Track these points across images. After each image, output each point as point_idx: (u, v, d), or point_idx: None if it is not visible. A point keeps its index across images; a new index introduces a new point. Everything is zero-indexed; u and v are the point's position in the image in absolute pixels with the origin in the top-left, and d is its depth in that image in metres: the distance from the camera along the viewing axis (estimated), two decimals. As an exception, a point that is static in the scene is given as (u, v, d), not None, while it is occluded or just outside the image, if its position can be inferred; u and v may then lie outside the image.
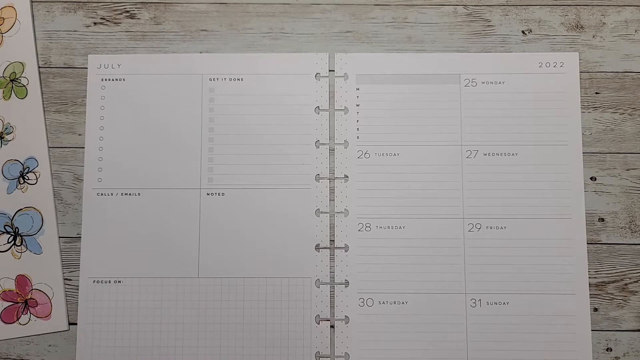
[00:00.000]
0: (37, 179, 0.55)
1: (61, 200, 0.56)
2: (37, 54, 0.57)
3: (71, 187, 0.56)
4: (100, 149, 0.56)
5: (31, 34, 0.57)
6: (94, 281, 0.54)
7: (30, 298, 0.54)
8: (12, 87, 0.57)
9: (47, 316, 0.54)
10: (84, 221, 0.55)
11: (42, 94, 0.57)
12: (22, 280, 0.54)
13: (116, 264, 0.54)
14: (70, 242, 0.55)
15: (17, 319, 0.54)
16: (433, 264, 0.54)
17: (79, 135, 0.56)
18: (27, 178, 0.56)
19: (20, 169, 0.56)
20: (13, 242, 0.55)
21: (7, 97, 0.56)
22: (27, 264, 0.55)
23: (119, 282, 0.54)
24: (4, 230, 0.55)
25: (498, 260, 0.54)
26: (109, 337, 0.54)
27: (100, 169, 0.56)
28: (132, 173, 0.56)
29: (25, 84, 0.57)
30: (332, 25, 0.58)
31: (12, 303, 0.54)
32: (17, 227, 0.55)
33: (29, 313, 0.54)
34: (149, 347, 0.53)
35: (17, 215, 0.55)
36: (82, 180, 0.56)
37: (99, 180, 0.55)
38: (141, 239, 0.55)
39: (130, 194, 0.55)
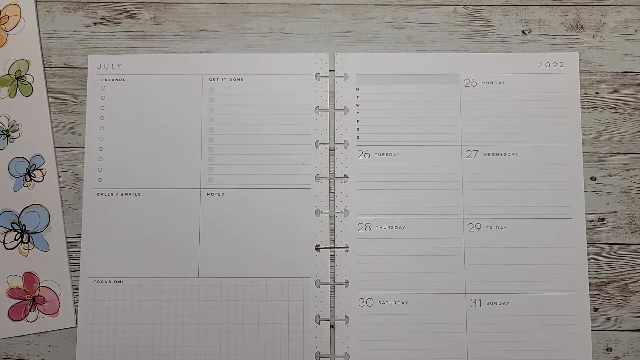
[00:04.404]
0: (43, 176, 0.56)
1: (61, 200, 0.56)
2: (41, 52, 0.57)
3: (71, 187, 0.56)
4: (100, 149, 0.56)
5: (36, 31, 0.57)
6: (94, 281, 0.54)
7: (38, 295, 0.54)
8: (18, 84, 0.57)
9: (55, 313, 0.54)
10: (84, 221, 0.55)
11: (47, 91, 0.57)
12: (29, 278, 0.55)
13: (116, 264, 0.54)
14: (70, 242, 0.55)
15: (25, 316, 0.54)
16: (433, 264, 0.54)
17: (79, 135, 0.56)
18: (33, 175, 0.56)
19: (27, 166, 0.56)
20: (20, 239, 0.55)
21: (12, 94, 0.57)
22: (34, 261, 0.55)
23: (119, 282, 0.54)
24: (11, 228, 0.55)
25: (498, 260, 0.54)
26: (109, 337, 0.54)
27: (100, 169, 0.56)
28: (132, 173, 0.56)
29: (30, 82, 0.57)
30: (332, 25, 0.58)
31: (19, 300, 0.54)
32: (24, 225, 0.55)
33: (36, 310, 0.54)
34: (149, 347, 0.53)
35: (23, 212, 0.55)
36: (82, 180, 0.56)
37: (99, 180, 0.56)
38: (141, 239, 0.55)
39: (130, 194, 0.55)
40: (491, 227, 0.54)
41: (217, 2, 0.58)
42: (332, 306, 0.54)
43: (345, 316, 0.54)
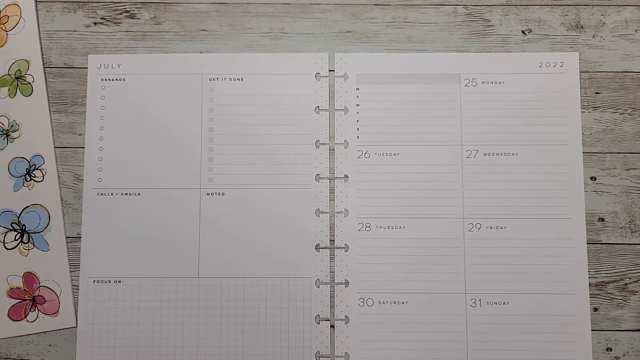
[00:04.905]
0: (43, 176, 0.56)
1: (61, 200, 0.56)
2: (41, 52, 0.57)
3: (71, 187, 0.56)
4: (100, 149, 0.56)
5: (36, 31, 0.57)
6: (94, 281, 0.54)
7: (38, 295, 0.54)
8: (18, 84, 0.57)
9: (55, 313, 0.54)
10: (84, 221, 0.55)
11: (47, 91, 0.57)
12: (29, 278, 0.55)
13: (116, 264, 0.54)
14: (70, 242, 0.55)
15: (25, 316, 0.54)
16: (433, 264, 0.54)
17: (79, 135, 0.56)
18: (33, 175, 0.56)
19: (27, 166, 0.56)
20: (20, 239, 0.55)
21: (12, 94, 0.57)
22: (34, 261, 0.55)
23: (119, 282, 0.54)
24: (11, 228, 0.55)
25: (498, 260, 0.54)
26: (109, 337, 0.54)
27: (100, 169, 0.56)
28: (132, 173, 0.56)
29: (30, 82, 0.57)
30: (332, 25, 0.58)
31: (19, 300, 0.54)
32: (24, 225, 0.55)
33: (36, 310, 0.54)
34: (149, 347, 0.53)
35: (23, 212, 0.55)
36: (82, 180, 0.56)
37: (99, 180, 0.56)
38: (141, 239, 0.55)
39: (130, 194, 0.55)
40: (491, 227, 0.54)
41: (217, 2, 0.58)
42: (332, 306, 0.54)
43: (345, 316, 0.54)
